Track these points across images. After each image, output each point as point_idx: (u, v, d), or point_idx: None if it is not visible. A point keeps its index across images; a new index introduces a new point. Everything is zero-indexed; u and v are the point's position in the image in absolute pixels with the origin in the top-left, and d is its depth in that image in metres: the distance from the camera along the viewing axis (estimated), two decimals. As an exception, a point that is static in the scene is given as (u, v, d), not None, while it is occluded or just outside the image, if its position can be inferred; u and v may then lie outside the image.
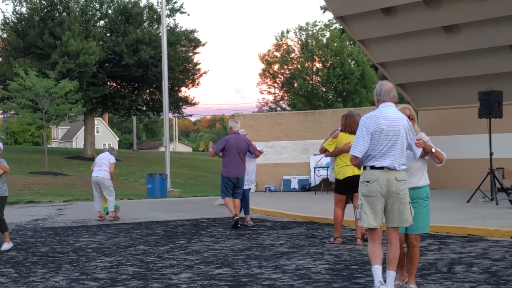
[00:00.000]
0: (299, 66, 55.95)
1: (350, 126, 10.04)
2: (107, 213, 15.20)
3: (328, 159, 15.50)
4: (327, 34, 56.02)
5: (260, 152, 13.48)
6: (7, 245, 10.48)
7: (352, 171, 9.85)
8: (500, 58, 18.87)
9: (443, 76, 20.57)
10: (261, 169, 22.58)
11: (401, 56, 21.05)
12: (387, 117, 6.08)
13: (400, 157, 6.09)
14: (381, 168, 6.04)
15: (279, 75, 58.49)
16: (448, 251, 8.96)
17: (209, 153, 13.89)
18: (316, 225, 12.82)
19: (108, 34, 46.82)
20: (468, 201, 15.17)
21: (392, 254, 6.10)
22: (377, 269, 6.02)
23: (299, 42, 57.17)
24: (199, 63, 49.95)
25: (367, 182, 6.09)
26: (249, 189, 13.55)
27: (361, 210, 6.12)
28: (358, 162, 6.16)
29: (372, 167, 6.08)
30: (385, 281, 6.03)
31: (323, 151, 10.38)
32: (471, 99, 17.73)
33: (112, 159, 15.17)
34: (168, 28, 44.11)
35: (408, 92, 22.16)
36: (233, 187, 12.91)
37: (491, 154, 15.29)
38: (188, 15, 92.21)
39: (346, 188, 10.04)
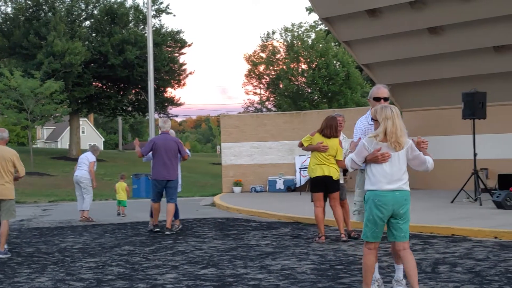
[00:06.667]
0: (284, 67, 55.84)
1: (327, 129, 10.22)
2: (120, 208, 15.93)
3: None
4: (313, 35, 55.99)
5: (188, 156, 12.65)
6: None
7: (322, 171, 10.11)
8: (484, 59, 19.01)
9: (427, 77, 20.69)
10: (247, 170, 22.63)
11: (386, 57, 21.16)
12: None
13: None
14: None
15: (265, 76, 58.40)
16: (432, 251, 9.02)
17: (136, 152, 12.65)
18: (301, 226, 12.86)
19: (93, 35, 46.65)
20: (452, 202, 15.27)
21: None
22: None
23: (285, 43, 57.13)
24: (185, 64, 50.01)
25: None
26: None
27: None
28: None
29: None
30: None
31: (300, 144, 10.54)
32: (456, 100, 17.81)
33: (92, 158, 15.23)
34: (154, 28, 44.00)
35: (393, 93, 22.22)
36: (162, 190, 12.38)
37: (475, 155, 15.38)
38: (174, 15, 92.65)
39: (319, 187, 10.21)
